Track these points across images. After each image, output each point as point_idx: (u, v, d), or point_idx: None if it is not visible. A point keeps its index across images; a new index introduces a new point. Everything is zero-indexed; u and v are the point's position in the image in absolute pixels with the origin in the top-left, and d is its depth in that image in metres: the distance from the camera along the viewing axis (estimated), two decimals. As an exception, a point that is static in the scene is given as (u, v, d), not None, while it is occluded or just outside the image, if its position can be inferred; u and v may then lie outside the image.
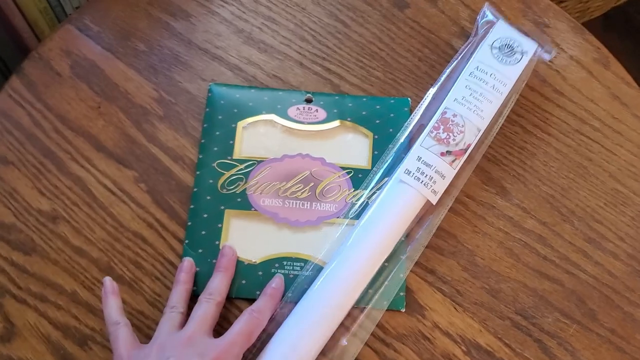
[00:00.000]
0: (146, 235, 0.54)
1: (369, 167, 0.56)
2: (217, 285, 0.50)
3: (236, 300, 0.52)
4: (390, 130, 0.58)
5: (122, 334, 0.46)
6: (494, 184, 0.57)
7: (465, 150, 0.53)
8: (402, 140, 0.56)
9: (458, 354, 0.50)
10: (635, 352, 0.51)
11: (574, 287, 0.53)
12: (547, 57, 0.59)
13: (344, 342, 0.50)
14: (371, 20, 0.64)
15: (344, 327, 0.50)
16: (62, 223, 0.54)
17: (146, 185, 0.56)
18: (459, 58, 0.59)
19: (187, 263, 0.51)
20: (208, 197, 0.54)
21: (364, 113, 0.59)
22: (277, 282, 0.51)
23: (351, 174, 0.56)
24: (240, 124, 0.58)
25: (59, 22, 0.79)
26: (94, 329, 0.51)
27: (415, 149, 0.53)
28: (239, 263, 0.52)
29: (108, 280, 0.50)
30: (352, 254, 0.50)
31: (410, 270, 0.53)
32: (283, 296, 0.51)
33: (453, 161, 0.53)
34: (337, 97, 0.59)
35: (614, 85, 0.61)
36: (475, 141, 0.54)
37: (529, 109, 0.60)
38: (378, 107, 0.59)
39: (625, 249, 0.54)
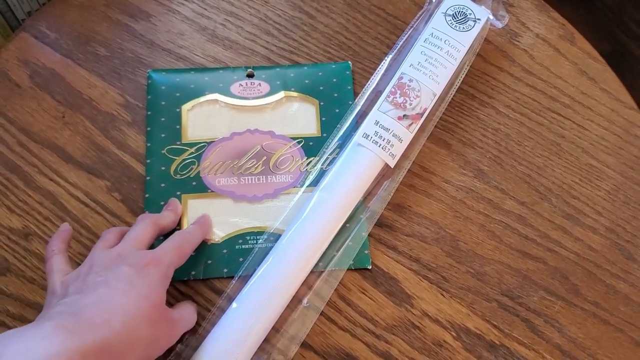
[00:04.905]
0: (124, 245, 0.52)
1: (319, 134, 0.57)
2: (162, 214, 0.51)
3: (205, 281, 0.51)
4: (335, 95, 0.58)
5: (54, 265, 0.45)
6: (471, 168, 0.57)
7: (422, 114, 0.54)
8: (359, 106, 0.56)
9: (449, 339, 0.51)
10: (620, 323, 0.52)
11: (556, 264, 0.53)
12: (499, 24, 0.59)
13: (305, 303, 0.50)
14: (336, 10, 0.63)
15: (307, 288, 0.51)
16: (36, 240, 0.52)
17: (120, 194, 0.54)
18: (414, 26, 0.59)
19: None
20: (162, 185, 0.54)
21: (307, 82, 0.59)
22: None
23: (302, 143, 0.56)
24: (185, 107, 0.57)
25: (11, 28, 0.76)
26: (78, 346, 0.49)
27: (373, 114, 0.54)
28: (203, 243, 0.52)
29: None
30: (312, 217, 0.51)
31: (395, 260, 0.53)
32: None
33: (410, 125, 0.54)
34: (278, 69, 0.59)
35: (580, 60, 0.61)
36: (432, 105, 0.55)
37: (500, 90, 0.60)
38: (320, 73, 0.59)
39: (603, 223, 0.55)
